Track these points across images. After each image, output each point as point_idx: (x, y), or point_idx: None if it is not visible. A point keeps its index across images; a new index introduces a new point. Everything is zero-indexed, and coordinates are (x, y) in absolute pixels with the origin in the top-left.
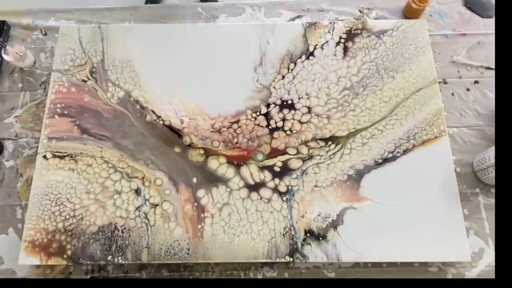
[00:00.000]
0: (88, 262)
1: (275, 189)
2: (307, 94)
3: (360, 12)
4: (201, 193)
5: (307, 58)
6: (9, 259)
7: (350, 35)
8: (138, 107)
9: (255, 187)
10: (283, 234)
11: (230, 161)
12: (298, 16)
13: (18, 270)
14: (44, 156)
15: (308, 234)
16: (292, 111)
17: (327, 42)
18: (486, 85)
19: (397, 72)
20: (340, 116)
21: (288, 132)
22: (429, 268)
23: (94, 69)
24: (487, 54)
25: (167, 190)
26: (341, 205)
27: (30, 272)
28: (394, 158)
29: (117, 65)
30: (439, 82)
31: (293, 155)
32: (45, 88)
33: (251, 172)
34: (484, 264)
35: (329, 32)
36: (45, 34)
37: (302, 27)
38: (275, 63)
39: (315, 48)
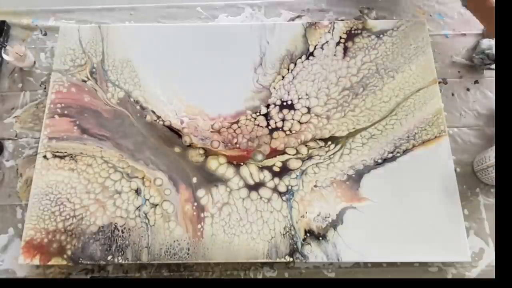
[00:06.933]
0: (88, 262)
1: (275, 189)
2: (306, 95)
3: (360, 12)
4: (201, 193)
5: (307, 58)
6: (9, 259)
7: (350, 35)
8: (138, 107)
9: (254, 187)
10: (283, 234)
11: (230, 161)
12: (298, 16)
13: (18, 270)
14: (44, 156)
15: (308, 234)
16: (292, 112)
17: (327, 42)
18: (486, 85)
19: (397, 72)
20: (340, 116)
21: (288, 132)
22: (429, 268)
23: (94, 69)
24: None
25: (167, 190)
26: (341, 205)
27: (30, 272)
28: (394, 158)
29: (117, 65)
30: (439, 82)
31: (293, 155)
32: (45, 88)
33: (250, 172)
34: (484, 264)
35: (329, 32)
36: (45, 34)
37: (302, 27)
38: (275, 63)
39: (315, 48)
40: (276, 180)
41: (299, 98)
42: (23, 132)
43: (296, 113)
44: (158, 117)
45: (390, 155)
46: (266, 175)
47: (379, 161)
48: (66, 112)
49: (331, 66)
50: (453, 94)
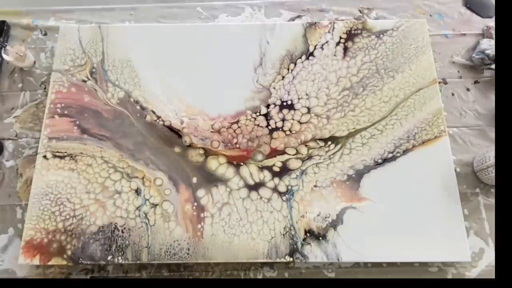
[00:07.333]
0: (88, 262)
1: (275, 189)
2: (306, 95)
3: (360, 12)
4: (201, 193)
5: (307, 58)
6: (9, 259)
7: (350, 35)
8: (138, 107)
9: (254, 187)
10: (283, 234)
11: (230, 161)
12: (298, 16)
13: (18, 270)
14: (44, 156)
15: (308, 234)
16: (292, 112)
17: (327, 42)
18: (486, 85)
19: (397, 72)
20: (340, 116)
21: (288, 132)
22: (429, 268)
23: (94, 69)
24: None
25: (167, 190)
26: (341, 205)
27: (30, 272)
28: (394, 158)
29: (117, 65)
30: (439, 82)
31: (293, 155)
32: (45, 88)
33: (250, 172)
34: (484, 264)
35: (329, 32)
36: (45, 34)
37: (302, 27)
38: (275, 63)
39: (315, 48)
40: (276, 180)
41: (299, 98)
42: (23, 132)
43: (296, 113)
44: (158, 117)
45: (390, 155)
46: (266, 175)
47: (379, 161)
48: (66, 112)
49: (331, 66)
50: (453, 94)
